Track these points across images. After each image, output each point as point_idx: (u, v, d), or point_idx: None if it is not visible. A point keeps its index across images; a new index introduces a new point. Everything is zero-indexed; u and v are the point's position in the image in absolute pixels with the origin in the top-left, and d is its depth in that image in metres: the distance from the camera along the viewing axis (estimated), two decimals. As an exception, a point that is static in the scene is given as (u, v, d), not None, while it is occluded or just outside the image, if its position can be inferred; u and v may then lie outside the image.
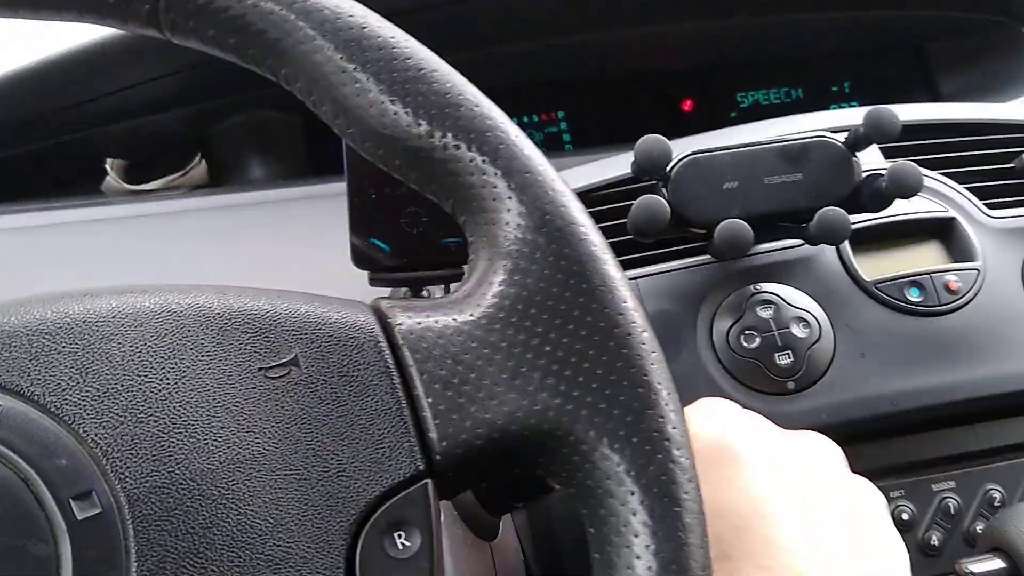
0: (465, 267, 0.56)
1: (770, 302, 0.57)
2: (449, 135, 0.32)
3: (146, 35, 0.36)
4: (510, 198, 0.32)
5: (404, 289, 0.56)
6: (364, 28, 0.33)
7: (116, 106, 0.74)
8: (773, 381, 0.56)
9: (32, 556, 0.26)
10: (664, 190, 0.55)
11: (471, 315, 0.31)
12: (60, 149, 0.77)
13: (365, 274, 0.56)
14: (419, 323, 0.31)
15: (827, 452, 0.42)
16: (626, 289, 0.31)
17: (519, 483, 0.41)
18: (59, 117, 0.74)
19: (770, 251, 0.60)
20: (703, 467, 0.31)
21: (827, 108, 1.00)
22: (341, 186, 0.73)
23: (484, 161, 0.32)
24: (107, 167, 0.73)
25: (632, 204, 0.54)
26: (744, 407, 0.58)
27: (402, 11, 0.44)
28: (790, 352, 0.56)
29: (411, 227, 0.56)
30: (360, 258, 0.55)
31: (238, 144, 0.79)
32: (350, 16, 0.33)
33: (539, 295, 0.31)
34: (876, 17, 0.91)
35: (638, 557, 0.28)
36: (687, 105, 0.93)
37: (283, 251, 0.69)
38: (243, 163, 0.78)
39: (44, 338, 0.28)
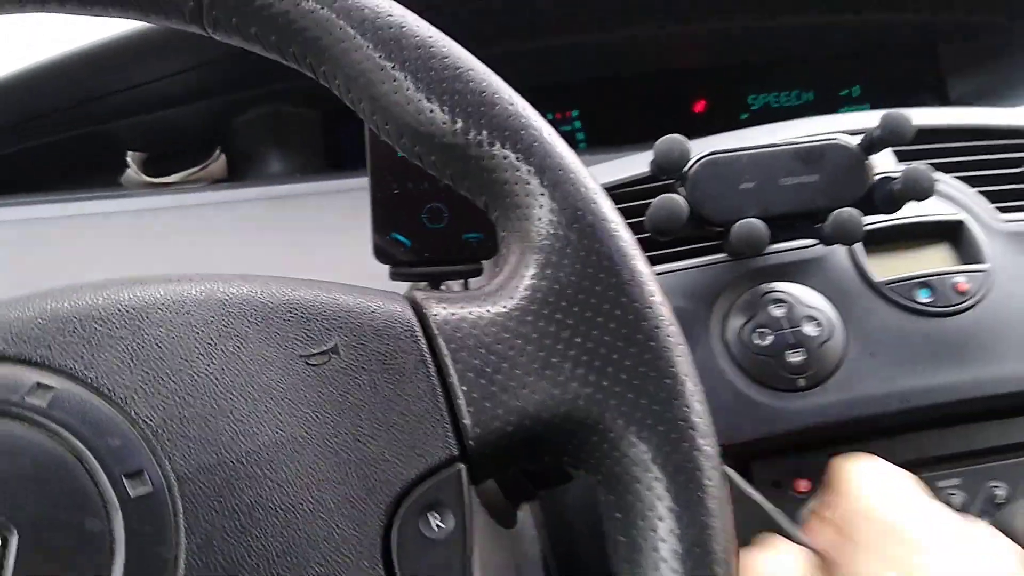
0: (484, 263, 0.57)
1: (782, 301, 0.58)
2: (484, 133, 0.33)
3: (176, 31, 0.37)
4: (542, 195, 0.33)
5: (423, 284, 0.57)
6: (403, 27, 0.34)
7: (137, 100, 0.75)
8: (784, 378, 0.57)
9: (87, 531, 0.27)
10: (681, 189, 0.56)
11: (504, 307, 0.32)
12: (80, 141, 0.78)
13: (383, 269, 0.57)
14: (454, 314, 0.32)
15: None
16: (654, 283, 0.32)
17: (542, 471, 0.42)
18: (80, 109, 0.75)
19: (783, 251, 0.61)
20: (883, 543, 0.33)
21: (837, 111, 1.01)
22: (357, 181, 0.74)
23: (518, 159, 0.33)
24: (128, 159, 0.74)
25: (649, 203, 0.55)
26: (755, 403, 0.60)
27: (428, 6, 0.44)
28: (802, 350, 0.57)
29: (432, 223, 0.57)
30: (381, 252, 0.56)
31: (257, 138, 0.80)
32: (389, 15, 0.34)
33: (570, 288, 0.32)
34: (887, 20, 0.92)
35: (663, 540, 0.29)
36: (699, 106, 0.94)
37: (301, 245, 0.70)
38: (261, 157, 0.80)
39: (96, 323, 0.29)
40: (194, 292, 0.31)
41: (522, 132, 0.34)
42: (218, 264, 0.68)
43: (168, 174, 0.75)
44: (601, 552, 0.43)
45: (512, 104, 0.34)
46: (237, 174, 0.79)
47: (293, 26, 0.35)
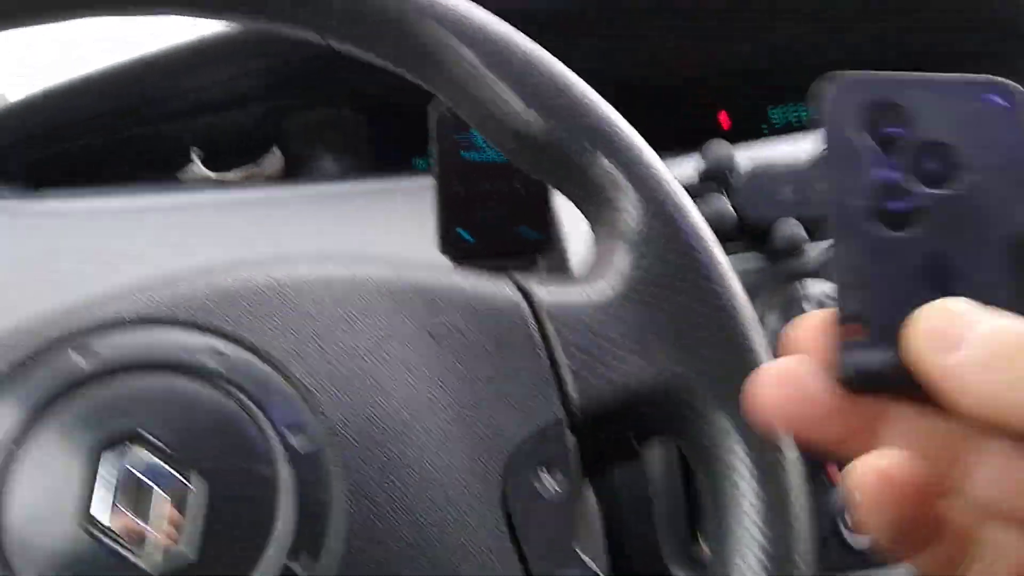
0: (539, 257, 0.61)
1: (819, 300, 0.63)
2: (580, 135, 0.38)
3: (235, 40, 0.41)
4: (630, 190, 0.37)
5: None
6: (508, 41, 0.39)
7: (199, 101, 0.79)
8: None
9: (259, 476, 0.31)
10: (725, 192, 0.60)
11: (602, 292, 0.36)
12: (142, 139, 0.82)
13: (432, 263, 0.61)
14: (557, 297, 0.36)
15: None
16: (729, 268, 0.37)
17: (619, 444, 0.47)
18: (143, 110, 0.79)
19: (820, 252, 0.65)
20: None
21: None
22: (410, 182, 0.78)
23: (610, 159, 0.38)
24: (192, 156, 0.78)
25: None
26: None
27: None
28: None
29: (492, 220, 0.61)
30: (446, 245, 0.60)
31: (311, 139, 0.84)
32: (495, 29, 0.39)
33: (658, 274, 0.36)
34: (908, 38, 0.96)
35: (744, 496, 0.34)
36: (721, 117, 0.99)
37: (355, 240, 0.74)
38: (316, 157, 0.84)
39: (255, 295, 0.34)
40: (340, 272, 0.36)
41: (612, 135, 0.38)
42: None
43: (227, 170, 0.80)
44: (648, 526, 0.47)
45: (604, 110, 0.39)
46: (292, 172, 0.83)
47: (409, 39, 0.39)
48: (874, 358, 0.25)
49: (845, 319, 0.25)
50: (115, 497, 0.29)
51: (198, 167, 0.78)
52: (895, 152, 0.26)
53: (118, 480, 0.29)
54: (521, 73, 0.38)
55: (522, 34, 0.40)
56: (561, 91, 0.38)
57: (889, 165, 0.26)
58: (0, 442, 0.30)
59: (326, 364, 0.33)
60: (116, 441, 0.30)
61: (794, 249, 0.61)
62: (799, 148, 0.67)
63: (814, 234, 0.60)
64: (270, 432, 0.31)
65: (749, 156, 0.62)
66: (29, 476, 0.29)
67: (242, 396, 0.32)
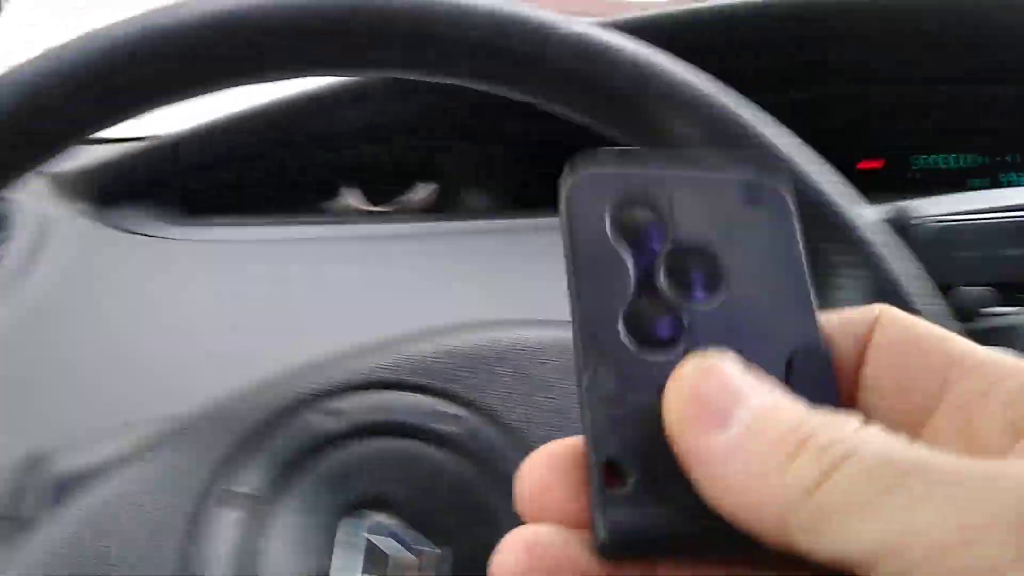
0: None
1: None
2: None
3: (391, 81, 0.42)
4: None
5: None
6: (730, 112, 0.38)
7: (356, 134, 0.81)
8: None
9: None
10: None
11: None
12: (297, 170, 0.84)
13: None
14: None
15: None
16: None
17: None
18: (302, 142, 0.81)
19: (996, 315, 0.62)
20: None
21: (1003, 176, 1.02)
22: (549, 220, 0.78)
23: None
24: (346, 187, 0.79)
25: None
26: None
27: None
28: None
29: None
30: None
31: (462, 173, 0.84)
32: (719, 101, 0.38)
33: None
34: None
35: None
36: (863, 165, 0.96)
37: (501, 278, 0.74)
38: (466, 192, 0.84)
39: (485, 361, 0.34)
40: (554, 335, 0.35)
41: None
42: (423, 292, 0.73)
43: (378, 203, 0.80)
44: None
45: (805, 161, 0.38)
46: (442, 206, 0.84)
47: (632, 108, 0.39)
48: (641, 514, 0.20)
49: (601, 465, 0.21)
50: (361, 564, 0.29)
51: (351, 198, 0.80)
52: (651, 258, 0.23)
53: (361, 544, 0.29)
54: (748, 144, 0.38)
55: (744, 103, 0.39)
56: (785, 160, 0.38)
57: (643, 274, 0.22)
58: (248, 497, 0.30)
59: (554, 425, 0.33)
60: (359, 505, 0.30)
61: (970, 316, 0.59)
62: (985, 202, 0.65)
63: (1000, 299, 0.58)
64: (507, 499, 0.31)
65: (932, 209, 0.60)
66: (275, 534, 0.30)
67: (480, 462, 0.31)
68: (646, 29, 0.75)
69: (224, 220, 0.79)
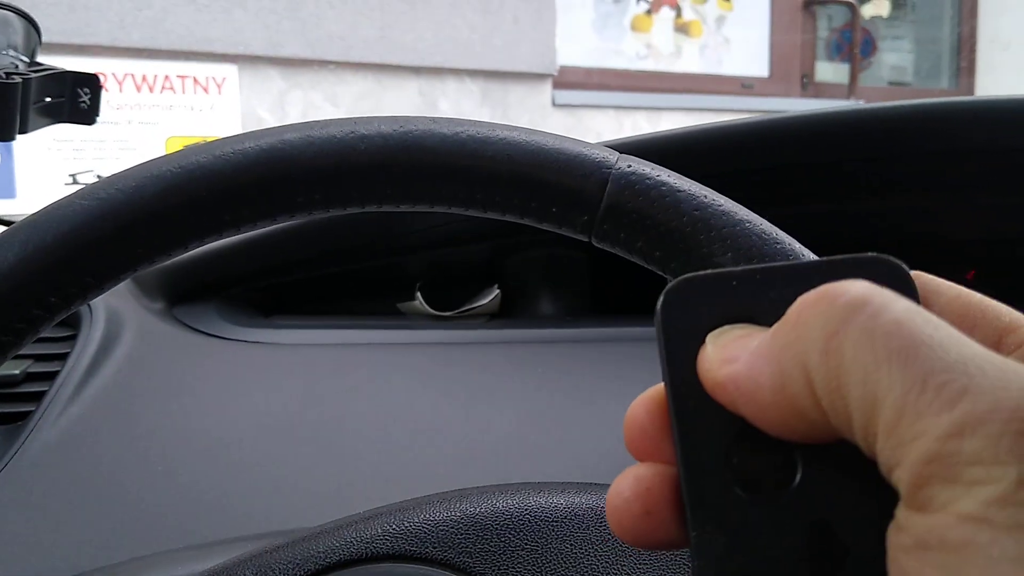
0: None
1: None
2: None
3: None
4: None
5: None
6: (764, 237, 0.36)
7: (425, 238, 0.80)
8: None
9: None
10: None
11: None
12: (369, 271, 0.84)
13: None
14: None
15: None
16: None
17: None
18: (374, 246, 0.81)
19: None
20: None
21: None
22: (627, 331, 0.76)
23: None
24: (417, 292, 0.79)
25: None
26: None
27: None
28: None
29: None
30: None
31: (528, 278, 0.83)
32: (747, 222, 0.36)
33: None
34: None
35: None
36: (970, 275, 0.92)
37: (569, 392, 0.71)
38: (532, 296, 0.83)
39: (507, 531, 0.31)
40: (582, 501, 0.33)
41: None
42: (486, 402, 0.71)
43: (446, 307, 0.80)
44: None
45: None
46: (509, 310, 0.82)
47: (679, 244, 0.37)
48: None
49: None
50: None
51: (420, 302, 0.79)
52: None
53: None
54: None
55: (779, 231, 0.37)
56: None
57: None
58: None
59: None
60: None
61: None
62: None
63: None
64: None
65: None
66: None
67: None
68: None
69: (291, 322, 0.80)
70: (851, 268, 0.22)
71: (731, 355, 0.21)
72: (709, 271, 0.22)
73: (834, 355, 0.19)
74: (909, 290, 0.22)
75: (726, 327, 0.22)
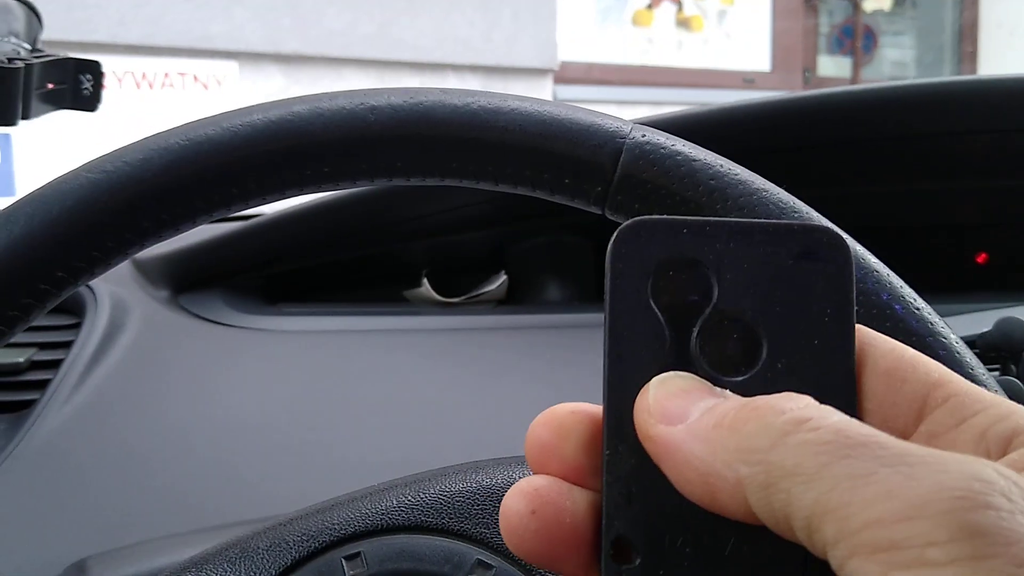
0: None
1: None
2: None
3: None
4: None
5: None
6: (781, 206, 0.35)
7: (432, 225, 0.80)
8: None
9: None
10: (1012, 367, 0.54)
11: None
12: (374, 258, 0.83)
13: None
14: None
15: None
16: None
17: None
18: (378, 232, 0.81)
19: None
20: None
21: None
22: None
23: None
24: (424, 278, 0.78)
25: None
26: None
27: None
28: None
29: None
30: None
31: (534, 265, 0.83)
32: (778, 198, 0.36)
33: None
34: None
35: None
36: (981, 258, 0.92)
37: (573, 375, 0.71)
38: (538, 283, 0.82)
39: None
40: None
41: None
42: (492, 388, 0.71)
43: (453, 293, 0.79)
44: None
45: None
46: (515, 296, 0.82)
47: (695, 214, 0.36)
48: None
49: (611, 542, 0.21)
50: None
51: (426, 289, 0.78)
52: (687, 327, 0.22)
53: None
54: None
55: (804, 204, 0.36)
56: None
57: (676, 347, 0.22)
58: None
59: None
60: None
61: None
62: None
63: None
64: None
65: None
66: None
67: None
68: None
69: (297, 310, 0.79)
70: (792, 234, 0.22)
71: (670, 413, 0.21)
72: (663, 216, 0.23)
73: (775, 464, 0.19)
74: (845, 262, 0.22)
75: (671, 374, 0.22)
